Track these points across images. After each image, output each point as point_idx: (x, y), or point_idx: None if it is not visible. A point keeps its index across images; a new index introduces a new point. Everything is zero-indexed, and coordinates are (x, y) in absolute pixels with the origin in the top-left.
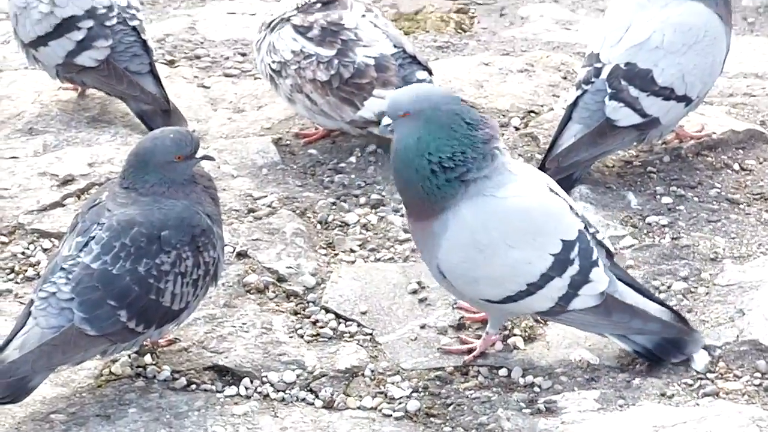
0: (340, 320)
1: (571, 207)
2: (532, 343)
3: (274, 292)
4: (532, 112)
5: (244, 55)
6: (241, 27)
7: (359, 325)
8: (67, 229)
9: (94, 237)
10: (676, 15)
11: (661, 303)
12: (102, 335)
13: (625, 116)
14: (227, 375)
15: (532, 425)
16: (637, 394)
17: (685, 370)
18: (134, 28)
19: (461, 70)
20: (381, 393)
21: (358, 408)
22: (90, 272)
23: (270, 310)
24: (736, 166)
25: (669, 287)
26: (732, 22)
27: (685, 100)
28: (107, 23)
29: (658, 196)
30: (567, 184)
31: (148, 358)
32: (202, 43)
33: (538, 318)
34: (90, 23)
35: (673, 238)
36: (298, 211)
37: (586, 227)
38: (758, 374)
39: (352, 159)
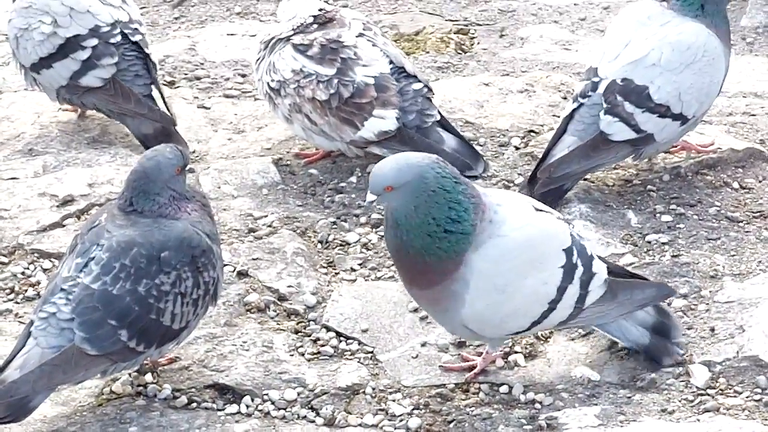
0: (341, 338)
1: (554, 215)
2: (533, 360)
3: (275, 310)
4: (533, 131)
5: (244, 76)
6: (241, 48)
7: (360, 343)
8: (66, 250)
9: (93, 258)
10: (675, 34)
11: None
12: (103, 354)
13: (619, 131)
14: (228, 393)
15: None
16: (637, 410)
17: (686, 386)
18: (137, 44)
19: (461, 90)
20: (382, 410)
21: (360, 425)
22: (90, 293)
23: (271, 329)
24: (736, 185)
25: (669, 304)
26: (731, 42)
27: (681, 118)
28: (112, 41)
29: (658, 215)
30: (557, 195)
31: (148, 377)
32: (202, 64)
33: (556, 330)
34: (94, 42)
35: (673, 256)
36: (298, 231)
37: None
38: (758, 390)
39: (353, 179)
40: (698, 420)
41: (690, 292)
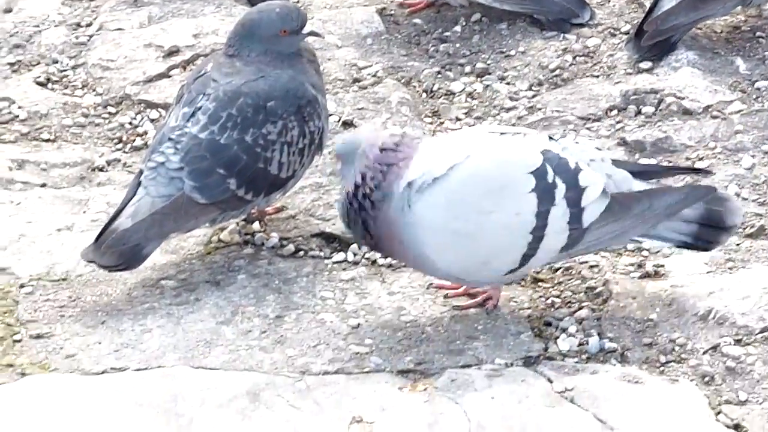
0: None
1: (523, 136)
2: None
3: None
4: None
5: None
6: None
7: None
8: (173, 100)
9: (200, 107)
10: None
11: (675, 169)
12: (212, 203)
13: None
14: (335, 242)
15: (640, 289)
16: (746, 257)
17: None
18: None
19: None
20: None
21: None
22: (198, 142)
23: None
24: None
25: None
26: None
27: None
28: None
29: (767, 61)
30: (665, 47)
31: (256, 226)
32: None
33: (568, 260)
34: None
35: None
36: (403, 81)
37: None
38: None
39: (457, 28)
40: None
41: None
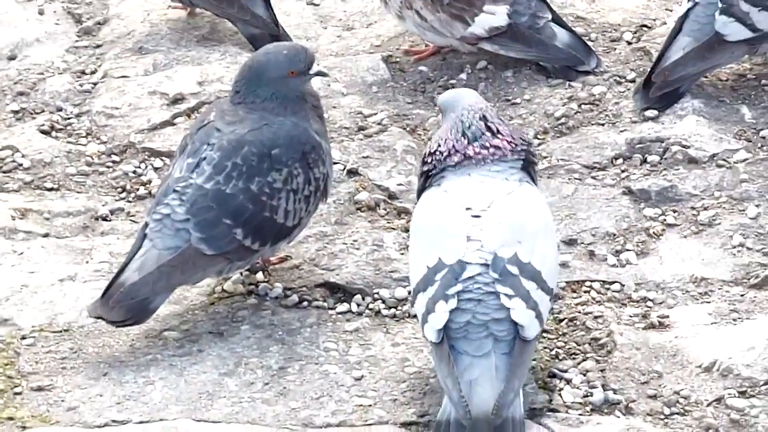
0: None
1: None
2: (644, 257)
3: (385, 209)
4: (645, 26)
5: None
6: None
7: None
8: (177, 150)
9: (205, 158)
10: None
11: None
12: (219, 254)
13: (735, 31)
14: (339, 292)
15: (645, 340)
16: (751, 308)
17: None
18: None
19: None
20: None
21: None
22: (204, 192)
23: (381, 228)
24: None
25: None
26: None
27: None
28: None
29: None
30: (673, 97)
31: (260, 276)
32: None
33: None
34: None
35: None
36: (408, 129)
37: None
38: None
39: (463, 76)
40: None
41: None
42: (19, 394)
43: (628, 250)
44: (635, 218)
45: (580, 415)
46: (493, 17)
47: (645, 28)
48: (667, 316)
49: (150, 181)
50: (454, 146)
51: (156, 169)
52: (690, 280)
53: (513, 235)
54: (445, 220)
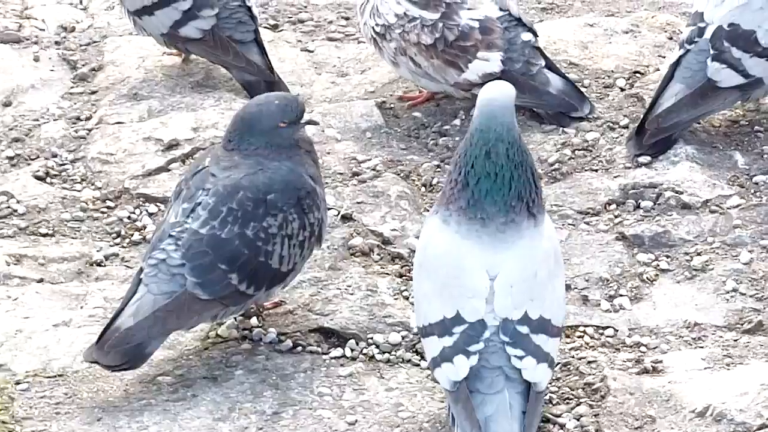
0: None
1: None
2: (638, 302)
3: (379, 254)
4: (638, 72)
5: (347, 18)
6: None
7: None
8: (171, 195)
9: (200, 203)
10: None
11: None
12: (214, 299)
13: (727, 77)
14: (333, 337)
15: (638, 384)
16: (744, 353)
17: None
18: None
19: (566, 31)
20: None
21: None
22: (199, 237)
23: (375, 273)
24: None
25: None
26: None
27: None
28: None
29: (765, 155)
30: (666, 144)
31: (254, 321)
32: (305, 6)
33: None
34: None
35: None
36: (402, 174)
37: None
38: None
39: (457, 122)
40: None
41: None
42: None
43: (621, 295)
44: (629, 263)
45: None
46: (487, 63)
47: (638, 75)
48: (661, 361)
49: (145, 227)
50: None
51: (151, 214)
52: (683, 325)
53: (523, 296)
54: (461, 274)
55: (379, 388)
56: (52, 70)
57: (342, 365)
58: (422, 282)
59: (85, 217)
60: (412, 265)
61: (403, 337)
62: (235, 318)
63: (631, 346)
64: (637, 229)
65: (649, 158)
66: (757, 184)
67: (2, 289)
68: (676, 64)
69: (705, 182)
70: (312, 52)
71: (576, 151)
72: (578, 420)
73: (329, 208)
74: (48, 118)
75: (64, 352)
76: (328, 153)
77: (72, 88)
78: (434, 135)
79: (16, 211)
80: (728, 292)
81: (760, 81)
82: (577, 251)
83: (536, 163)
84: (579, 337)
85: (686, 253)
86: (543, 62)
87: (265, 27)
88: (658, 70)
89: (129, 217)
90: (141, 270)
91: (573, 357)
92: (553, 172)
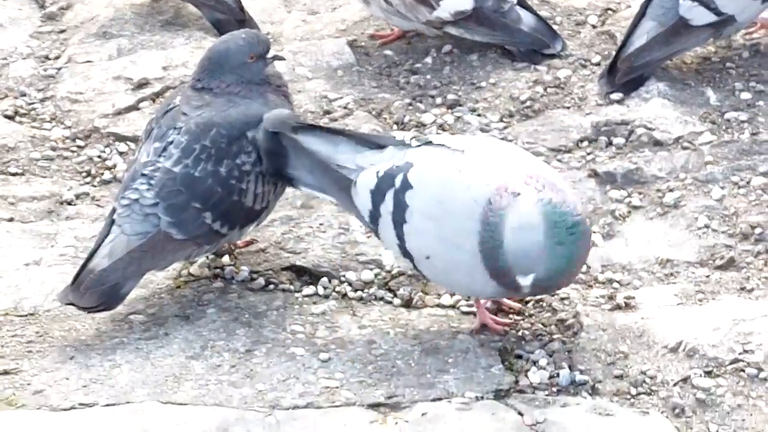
0: None
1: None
2: (610, 239)
3: None
4: (609, 9)
5: None
6: None
7: None
8: (141, 134)
9: (172, 141)
10: None
11: None
12: (189, 238)
13: (699, 15)
14: (305, 275)
15: (611, 321)
16: (716, 289)
17: (765, 264)
18: None
19: None
20: None
21: (437, 306)
22: (172, 176)
23: (347, 211)
24: None
25: (748, 182)
26: None
27: None
28: None
29: (737, 92)
30: (638, 82)
31: (226, 259)
32: None
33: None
34: None
35: (752, 134)
36: (374, 112)
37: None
38: None
39: (428, 60)
40: None
41: None
42: None
43: (594, 232)
44: (601, 200)
45: (546, 395)
46: (459, 1)
47: (609, 12)
48: (633, 298)
49: (115, 166)
50: None
51: (121, 153)
52: (656, 261)
53: None
54: None
55: (352, 326)
56: (20, 9)
57: (314, 303)
58: None
59: (55, 156)
60: None
61: (375, 275)
62: (207, 256)
63: (603, 283)
64: (609, 166)
65: (621, 95)
66: (728, 120)
67: None
68: (648, 1)
69: (677, 119)
70: None
71: (548, 89)
72: (551, 356)
73: None
74: (16, 57)
75: (36, 291)
76: (300, 92)
77: (40, 26)
78: (406, 73)
79: None
80: (700, 229)
81: (732, 18)
82: None
83: (508, 100)
84: None
85: (658, 190)
86: None
87: None
88: (630, 6)
89: (99, 156)
90: (114, 210)
91: (547, 294)
92: (525, 110)
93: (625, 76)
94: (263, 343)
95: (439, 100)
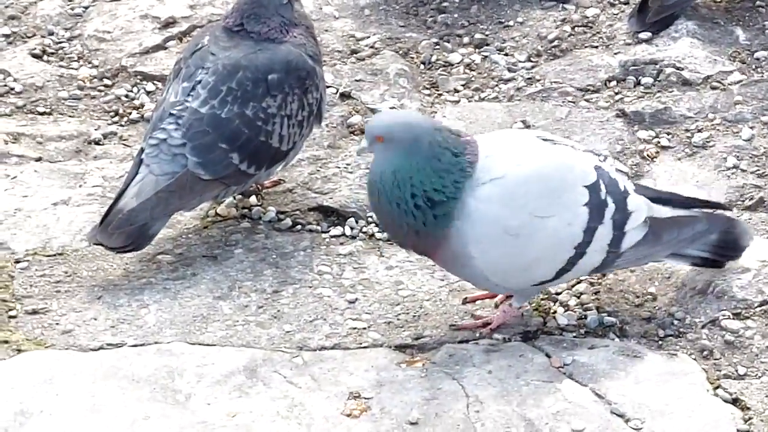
0: None
1: (572, 147)
2: (638, 180)
3: None
4: None
5: None
6: None
7: None
8: (169, 74)
9: (200, 81)
10: None
11: (693, 202)
12: (216, 179)
13: None
14: (332, 215)
15: None
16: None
17: None
18: None
19: None
20: None
21: None
22: (199, 117)
23: None
24: None
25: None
26: None
27: None
28: None
29: (767, 31)
30: (668, 21)
31: (253, 200)
32: None
33: (592, 276)
34: None
35: None
36: (401, 52)
37: (598, 157)
38: None
39: None
40: None
41: None
42: (14, 317)
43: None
44: (629, 140)
45: (574, 337)
46: None
47: None
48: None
49: (142, 105)
50: None
51: (148, 93)
52: None
53: None
54: None
55: (379, 267)
56: None
57: (341, 244)
58: None
59: (83, 95)
60: None
61: None
62: (234, 197)
63: None
64: (637, 106)
65: (650, 35)
66: (758, 59)
67: (1, 167)
68: None
69: (706, 58)
70: None
71: (576, 28)
72: (578, 298)
73: (328, 86)
74: None
75: (64, 231)
76: (326, 30)
77: None
78: (433, 12)
79: (13, 89)
80: (729, 169)
81: None
82: (577, 128)
83: (535, 40)
84: None
85: (687, 130)
86: None
87: None
88: None
89: (127, 96)
90: (142, 150)
91: None
92: (553, 49)
93: (656, 15)
94: (290, 283)
95: (466, 40)
